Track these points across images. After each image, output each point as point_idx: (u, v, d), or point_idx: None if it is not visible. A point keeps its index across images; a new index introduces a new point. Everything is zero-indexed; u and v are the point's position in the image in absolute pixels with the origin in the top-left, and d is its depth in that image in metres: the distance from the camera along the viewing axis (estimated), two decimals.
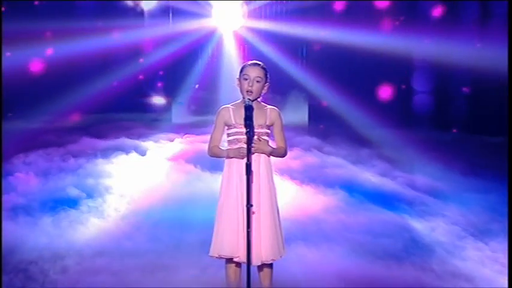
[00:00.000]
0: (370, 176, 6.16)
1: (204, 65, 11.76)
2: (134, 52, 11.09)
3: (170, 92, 11.91)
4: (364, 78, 11.05)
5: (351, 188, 5.56)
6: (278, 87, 11.73)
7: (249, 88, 3.19)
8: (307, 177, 5.94)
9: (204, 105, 11.43)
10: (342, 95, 10.38)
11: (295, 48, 11.65)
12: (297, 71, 11.53)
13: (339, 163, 6.87)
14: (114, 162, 6.59)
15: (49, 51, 9.72)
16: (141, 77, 11.07)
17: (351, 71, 11.09)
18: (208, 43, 11.74)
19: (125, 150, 7.25)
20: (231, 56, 11.50)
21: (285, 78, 11.77)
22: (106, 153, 6.98)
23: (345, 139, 8.56)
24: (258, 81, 3.20)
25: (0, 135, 6.54)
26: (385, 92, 10.88)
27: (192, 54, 11.65)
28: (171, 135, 8.87)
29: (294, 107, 11.29)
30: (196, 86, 11.99)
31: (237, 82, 3.28)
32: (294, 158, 6.84)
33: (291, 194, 5.20)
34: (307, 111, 11.58)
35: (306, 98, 11.63)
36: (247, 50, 11.31)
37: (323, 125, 10.31)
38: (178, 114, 11.72)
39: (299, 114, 11.18)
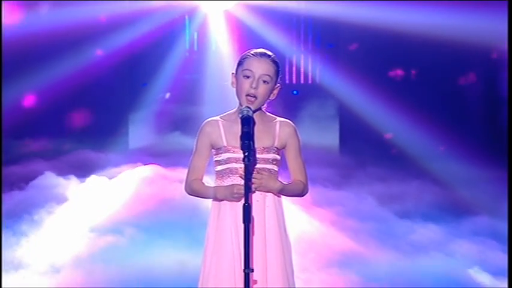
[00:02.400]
0: (436, 251, 6.08)
1: (179, 62, 11.88)
2: (73, 40, 11.11)
3: (127, 102, 12.01)
4: (426, 81, 11.21)
5: (407, 272, 5.58)
6: (293, 92, 12.05)
7: (251, 91, 3.31)
8: (331, 243, 6.10)
9: (178, 123, 11.63)
10: (393, 106, 10.60)
11: (320, 37, 11.97)
12: (322, 69, 11.79)
13: (384, 216, 7.00)
14: (26, 217, 6.65)
15: None
16: (81, 78, 11.19)
17: (406, 71, 11.41)
18: (185, 29, 11.84)
19: (50, 192, 7.41)
20: (221, 48, 11.56)
21: (304, 81, 12.17)
22: (18, 201, 7.14)
23: (398, 176, 8.86)
24: (265, 82, 3.33)
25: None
26: (460, 101, 10.99)
27: (161, 46, 11.77)
28: (126, 169, 8.98)
29: (317, 124, 11.49)
30: (167, 95, 12.16)
31: (232, 79, 3.39)
32: (314, 204, 7.04)
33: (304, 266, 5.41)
34: (337, 131, 11.73)
35: (336, 111, 11.83)
36: (246, 40, 11.25)
37: (361, 152, 10.58)
38: (139, 137, 11.89)
39: (325, 136, 11.42)
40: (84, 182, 8.20)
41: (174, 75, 11.90)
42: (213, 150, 3.38)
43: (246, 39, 11.27)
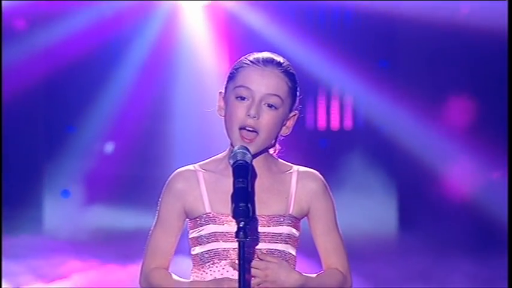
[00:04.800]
0: None
1: (128, 88, 11.97)
2: None
3: (42, 159, 12.15)
4: None
5: None
6: (320, 144, 12.26)
7: (249, 121, 3.48)
8: None
9: (127, 192, 11.80)
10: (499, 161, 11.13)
11: (365, 48, 12.22)
12: (370, 104, 12.11)
13: None
14: None
15: None
16: None
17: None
18: (140, 32, 12.02)
19: None
20: (200, 57, 11.80)
21: (338, 124, 12.38)
22: None
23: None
24: (272, 106, 3.51)
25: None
26: None
27: (99, 61, 11.96)
28: (40, 273, 9.12)
29: (361, 193, 11.73)
30: (109, 146, 12.23)
31: (219, 104, 3.61)
32: None
33: None
34: (394, 203, 11.87)
35: (392, 173, 12.06)
36: (241, 45, 11.48)
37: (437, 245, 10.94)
38: (58, 217, 11.88)
39: (374, 212, 11.64)
40: None
41: (119, 110, 12.02)
42: (187, 220, 3.52)
43: (241, 43, 11.54)
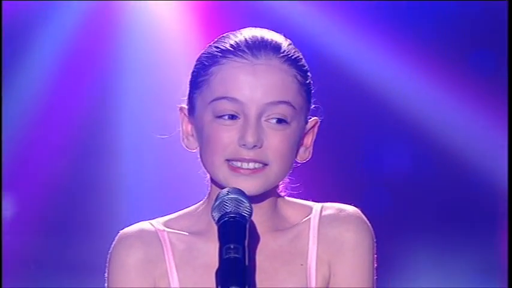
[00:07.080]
0: None
1: (40, 101, 11.13)
2: None
3: None
4: None
5: None
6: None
7: (245, 155, 3.42)
8: None
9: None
10: None
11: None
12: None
13: None
14: None
15: None
16: None
17: None
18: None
19: None
20: (160, 51, 11.20)
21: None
22: None
23: None
24: (281, 121, 3.45)
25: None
26: None
27: None
28: None
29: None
30: (8, 211, 11.43)
31: (184, 129, 3.62)
32: None
33: None
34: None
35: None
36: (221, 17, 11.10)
37: None
38: None
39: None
40: None
41: (25, 143, 11.10)
42: None
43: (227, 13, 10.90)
